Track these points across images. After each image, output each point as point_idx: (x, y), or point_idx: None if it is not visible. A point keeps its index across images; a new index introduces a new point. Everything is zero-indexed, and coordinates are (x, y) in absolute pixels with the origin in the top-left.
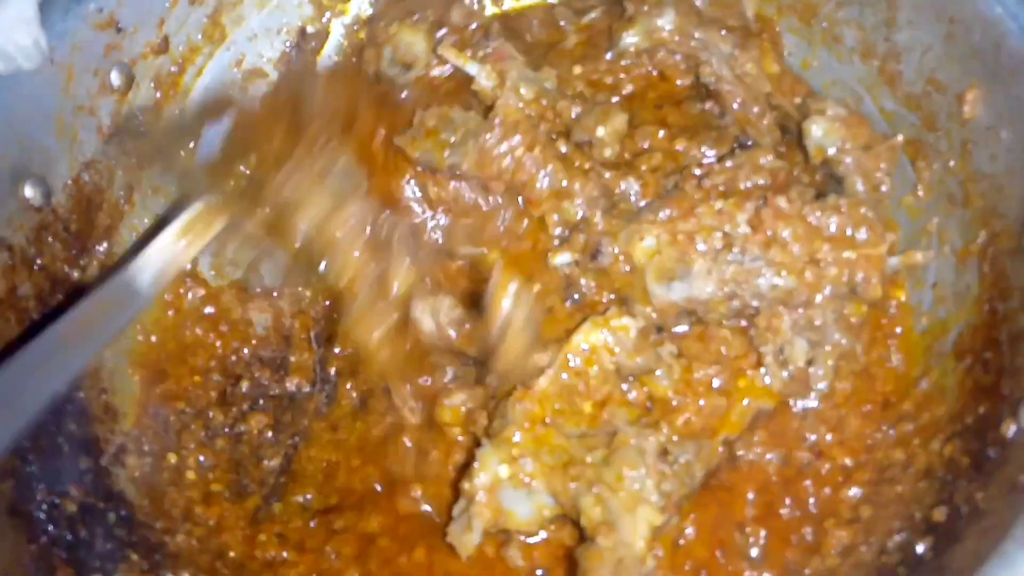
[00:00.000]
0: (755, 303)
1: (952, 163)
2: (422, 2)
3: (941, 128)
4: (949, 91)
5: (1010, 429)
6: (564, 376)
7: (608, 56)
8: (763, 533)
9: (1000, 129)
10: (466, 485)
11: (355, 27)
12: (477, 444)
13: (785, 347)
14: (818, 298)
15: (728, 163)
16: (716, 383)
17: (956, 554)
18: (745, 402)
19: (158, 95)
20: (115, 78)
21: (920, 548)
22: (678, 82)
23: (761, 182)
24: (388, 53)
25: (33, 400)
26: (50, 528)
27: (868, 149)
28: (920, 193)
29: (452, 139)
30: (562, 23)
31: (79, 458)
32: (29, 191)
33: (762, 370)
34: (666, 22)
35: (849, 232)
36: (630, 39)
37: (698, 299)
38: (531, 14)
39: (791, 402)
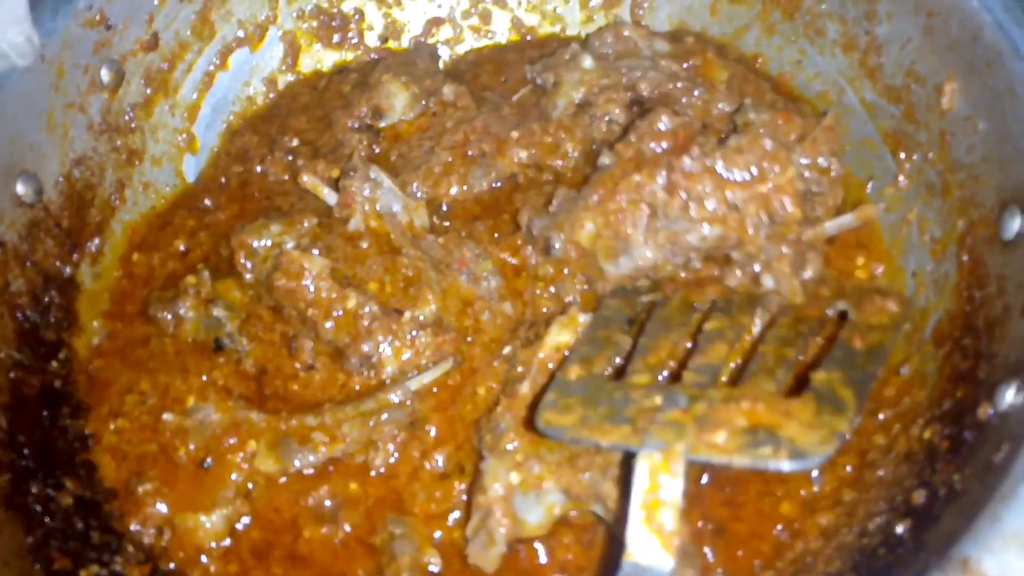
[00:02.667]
0: (693, 256)
1: (931, 154)
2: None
3: (921, 119)
4: (928, 83)
5: (986, 412)
6: (541, 380)
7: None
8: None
9: (977, 120)
10: (480, 498)
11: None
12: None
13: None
14: (750, 233)
15: (631, 136)
16: None
17: (933, 533)
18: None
19: (148, 92)
20: (105, 75)
21: (899, 529)
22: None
23: (665, 145)
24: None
25: None
26: (46, 521)
27: (802, 139)
28: (901, 183)
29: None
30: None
31: (74, 452)
32: (21, 188)
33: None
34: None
35: (755, 170)
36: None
37: (644, 268)
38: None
39: None
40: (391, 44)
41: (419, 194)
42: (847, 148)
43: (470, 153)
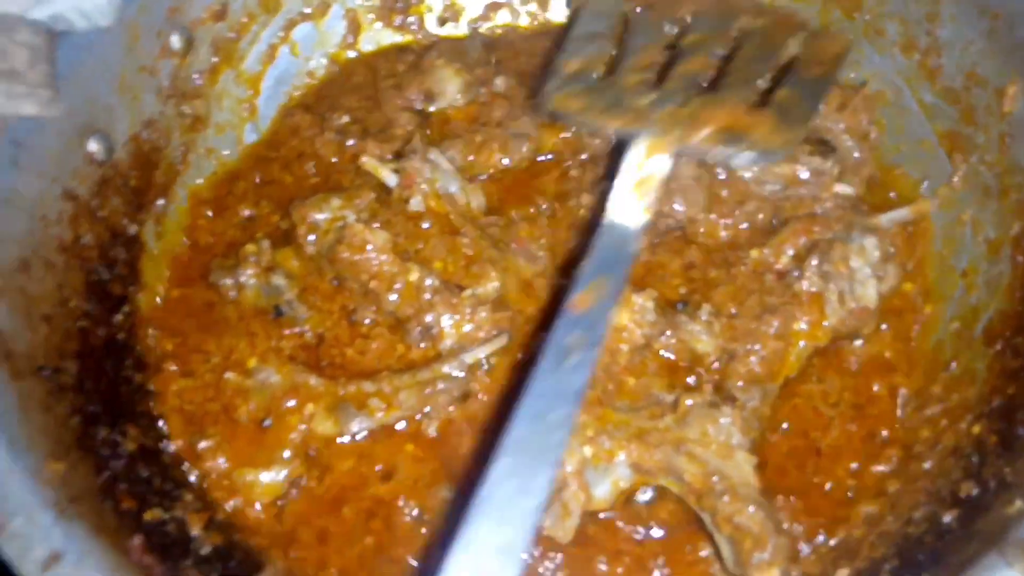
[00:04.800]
0: None
1: (989, 156)
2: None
3: (979, 122)
4: (989, 85)
5: None
6: (605, 359)
7: None
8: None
9: None
10: (557, 472)
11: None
12: None
13: (855, 285)
14: None
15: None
16: (769, 328)
17: (985, 521)
18: (801, 344)
19: (215, 60)
20: (175, 41)
21: (947, 518)
22: None
23: None
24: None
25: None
26: (113, 464)
27: (844, 107)
28: (955, 184)
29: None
30: None
31: (135, 403)
32: (93, 145)
33: (828, 308)
34: None
35: None
36: None
37: None
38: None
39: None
40: (449, 26)
41: (457, 162)
42: (903, 147)
43: (514, 129)
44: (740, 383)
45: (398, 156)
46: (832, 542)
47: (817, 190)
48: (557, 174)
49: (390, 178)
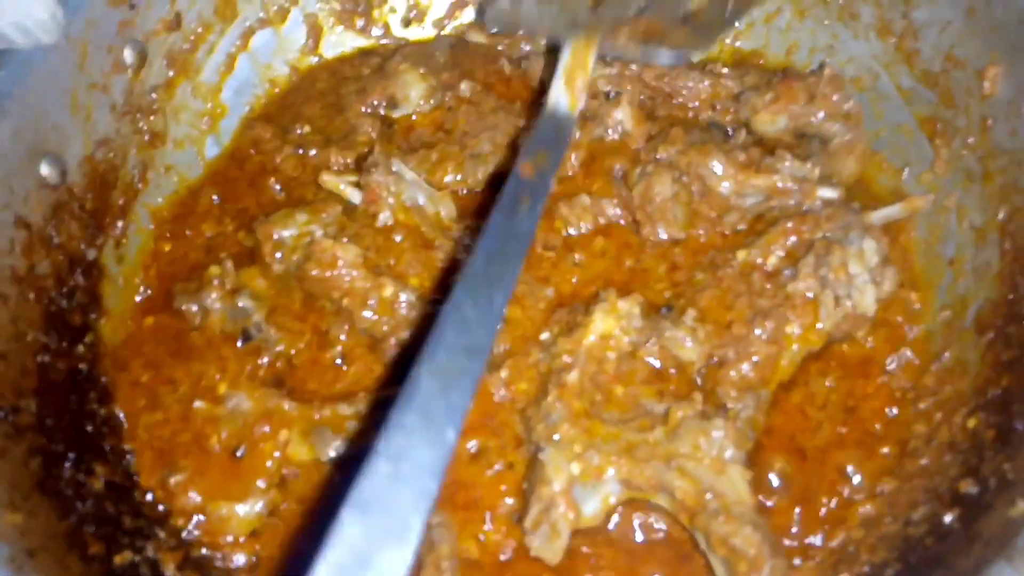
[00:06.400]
0: None
1: (971, 139)
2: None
3: (960, 104)
4: (968, 67)
5: None
6: (590, 368)
7: None
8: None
9: (1021, 105)
10: (544, 490)
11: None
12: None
13: (852, 290)
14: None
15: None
16: (762, 333)
17: (987, 523)
18: (795, 347)
19: (171, 73)
20: (128, 55)
21: (947, 519)
22: None
23: None
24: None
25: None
26: (79, 505)
27: (813, 97)
28: (938, 170)
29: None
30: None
31: (102, 437)
32: (45, 169)
33: (822, 312)
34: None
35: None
36: None
37: None
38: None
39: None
40: (414, 27)
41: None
42: (882, 134)
43: (472, 150)
44: (732, 392)
45: (360, 162)
46: (832, 544)
47: (801, 197)
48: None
49: (353, 195)
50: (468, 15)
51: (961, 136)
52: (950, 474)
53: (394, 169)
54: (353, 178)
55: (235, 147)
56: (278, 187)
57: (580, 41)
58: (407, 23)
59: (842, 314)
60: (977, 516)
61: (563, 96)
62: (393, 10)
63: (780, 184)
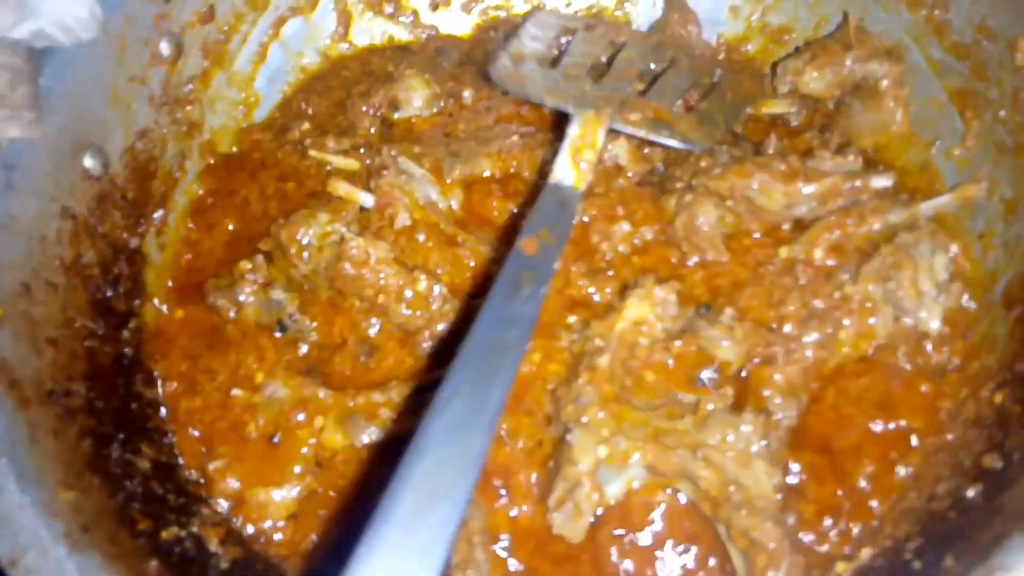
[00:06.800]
0: None
1: (1003, 112)
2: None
3: (991, 77)
4: (1000, 38)
5: None
6: (622, 353)
7: None
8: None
9: None
10: (570, 470)
11: None
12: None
13: (921, 310)
14: None
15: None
16: (817, 335)
17: (1009, 497)
18: (845, 350)
19: (206, 64)
20: (165, 48)
21: (970, 493)
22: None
23: None
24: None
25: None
26: (127, 484)
27: (848, 47)
28: (968, 144)
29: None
30: None
31: (148, 419)
32: (88, 161)
33: (872, 320)
34: None
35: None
36: None
37: None
38: None
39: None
40: (442, 11)
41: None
42: (912, 108)
43: (453, 148)
44: (777, 398)
45: (356, 148)
46: (855, 529)
47: (854, 194)
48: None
49: (366, 199)
50: None
51: (993, 109)
52: (975, 449)
53: (402, 167)
54: (347, 161)
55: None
56: (280, 178)
57: (590, 116)
58: (435, 7)
59: (899, 328)
60: (1000, 490)
61: (568, 171)
62: None
63: (832, 184)
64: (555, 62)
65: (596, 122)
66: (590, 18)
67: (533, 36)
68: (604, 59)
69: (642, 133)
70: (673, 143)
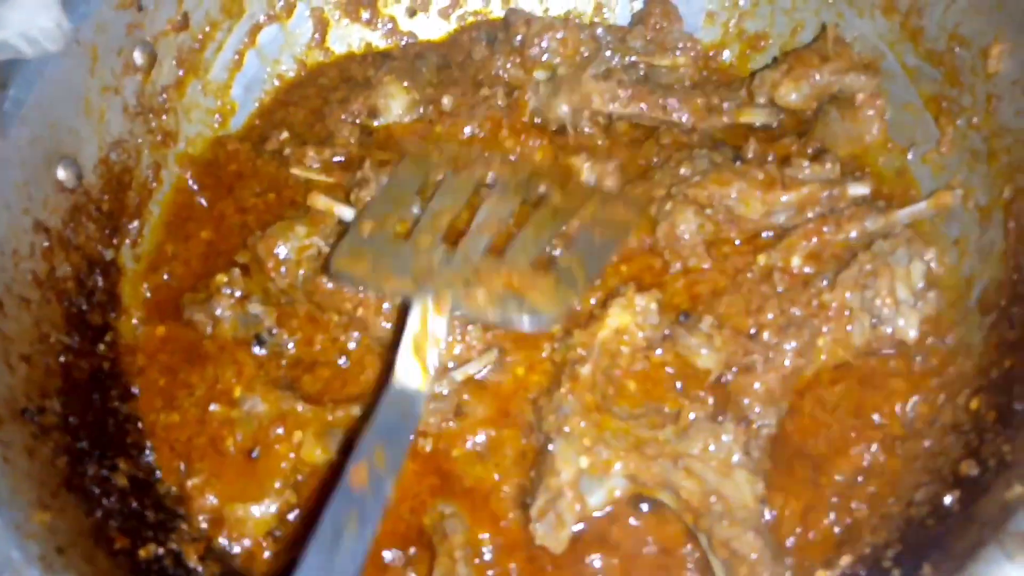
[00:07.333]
0: None
1: (976, 119)
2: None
3: (965, 83)
4: (973, 45)
5: None
6: (604, 362)
7: None
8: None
9: None
10: (552, 481)
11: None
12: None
13: (897, 317)
14: None
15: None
16: (795, 343)
17: (984, 505)
18: (823, 357)
19: (180, 72)
20: (138, 57)
21: (948, 500)
22: None
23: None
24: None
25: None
26: (104, 501)
27: (826, 59)
28: (943, 149)
29: None
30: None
31: (125, 434)
32: (62, 173)
33: (849, 327)
34: None
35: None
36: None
37: None
38: None
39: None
40: (419, 17)
41: None
42: (887, 113)
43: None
44: (756, 407)
45: (333, 159)
46: (836, 530)
47: (832, 201)
48: None
49: (345, 212)
50: (472, 4)
51: (966, 115)
52: (952, 455)
53: (383, 183)
54: (329, 180)
55: (212, 156)
56: (259, 190)
57: (427, 308)
58: (413, 13)
59: (876, 335)
60: (975, 498)
61: (411, 371)
62: (398, 0)
63: (809, 193)
64: (412, 227)
65: (436, 309)
66: (460, 152)
67: (387, 200)
68: (467, 206)
69: (488, 319)
70: (520, 328)
